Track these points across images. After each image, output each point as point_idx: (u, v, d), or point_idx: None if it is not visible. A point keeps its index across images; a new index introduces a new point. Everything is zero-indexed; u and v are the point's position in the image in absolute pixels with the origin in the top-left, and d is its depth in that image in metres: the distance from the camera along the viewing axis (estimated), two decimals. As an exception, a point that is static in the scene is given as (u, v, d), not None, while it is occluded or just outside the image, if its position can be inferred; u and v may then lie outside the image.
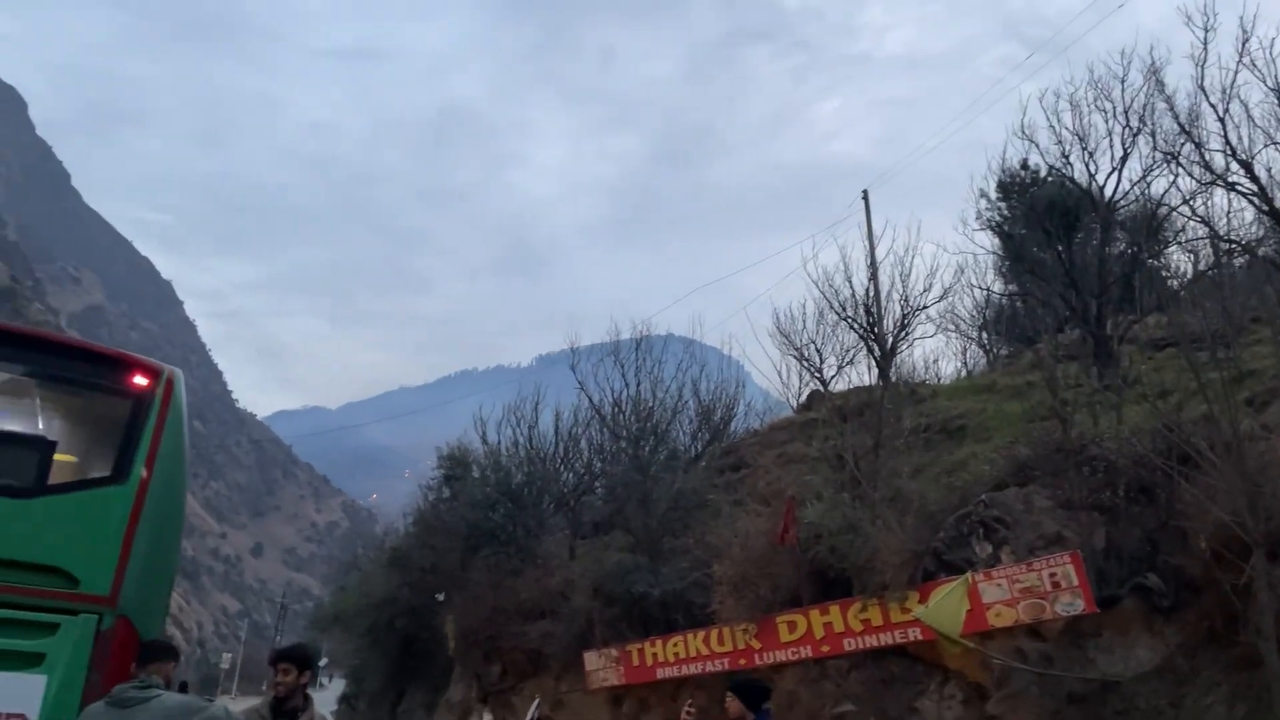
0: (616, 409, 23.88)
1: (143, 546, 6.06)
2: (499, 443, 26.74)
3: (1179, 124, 14.78)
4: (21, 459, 6.08)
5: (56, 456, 6.21)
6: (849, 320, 17.91)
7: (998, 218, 21.02)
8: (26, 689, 5.53)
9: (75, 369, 6.72)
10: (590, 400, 24.63)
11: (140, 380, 6.41)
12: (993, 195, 20.99)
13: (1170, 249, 18.41)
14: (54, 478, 6.14)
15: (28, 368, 6.50)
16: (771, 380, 21.63)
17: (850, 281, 17.92)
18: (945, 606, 10.09)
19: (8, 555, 5.75)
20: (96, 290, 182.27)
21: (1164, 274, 18.75)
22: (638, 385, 23.82)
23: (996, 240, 21.46)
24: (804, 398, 21.51)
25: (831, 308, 18.13)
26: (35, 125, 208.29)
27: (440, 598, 24.37)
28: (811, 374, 20.83)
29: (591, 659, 17.19)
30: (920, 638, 11.69)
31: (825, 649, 12.83)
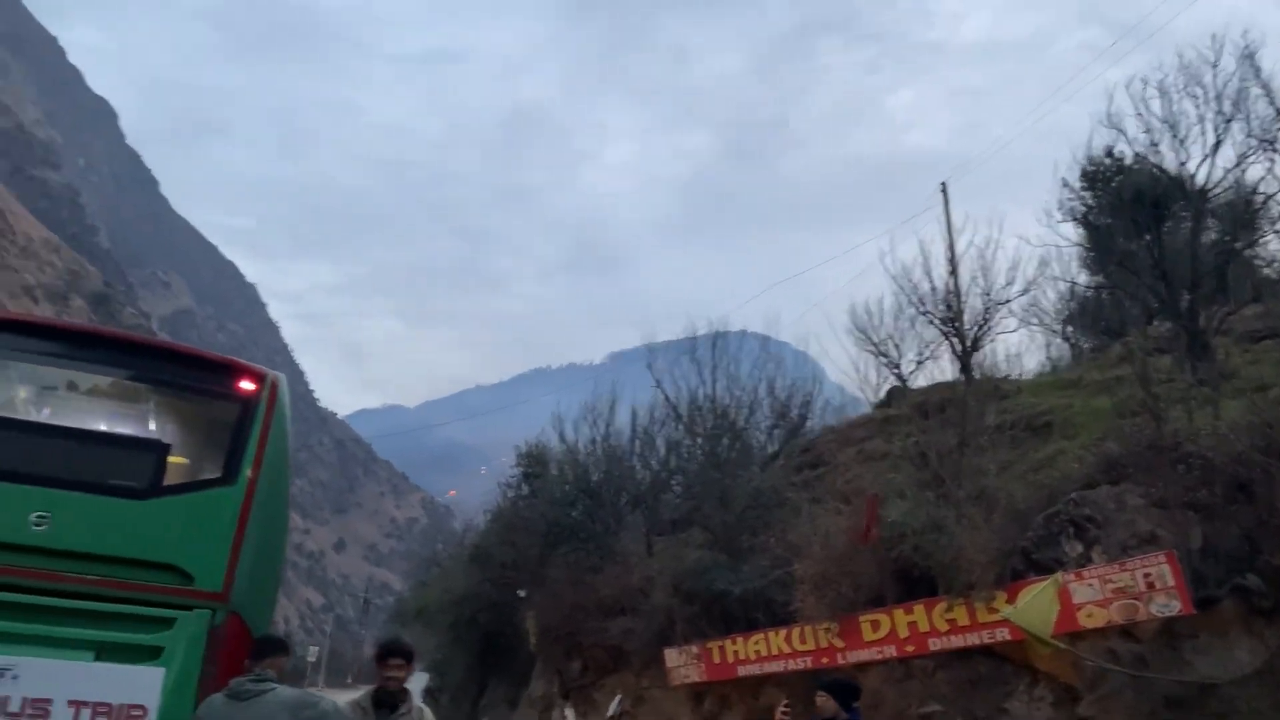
0: (693, 406, 23.92)
1: (251, 545, 6.30)
2: (576, 440, 27.07)
3: (1276, 109, 14.28)
4: (139, 461, 6.37)
5: (170, 459, 6.49)
6: (929, 315, 17.69)
7: (1081, 208, 20.52)
8: (146, 681, 5.80)
9: (188, 375, 7.02)
10: (666, 397, 24.72)
11: (247, 385, 6.67)
12: (1076, 185, 20.52)
13: (1266, 238, 17.76)
14: (168, 479, 6.42)
15: (144, 374, 6.81)
16: (849, 377, 21.43)
17: (930, 276, 17.71)
18: (1035, 607, 9.92)
19: (127, 553, 6.03)
20: (185, 294, 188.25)
21: (1260, 263, 18.11)
22: (714, 382, 23.82)
23: (1081, 231, 20.95)
24: (883, 394, 21.29)
25: (910, 302, 17.93)
26: (125, 135, 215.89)
27: (522, 594, 24.73)
28: (890, 370, 20.61)
29: (672, 656, 17.29)
30: (1008, 638, 11.51)
31: (910, 649, 12.72)
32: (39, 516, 5.84)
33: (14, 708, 5.48)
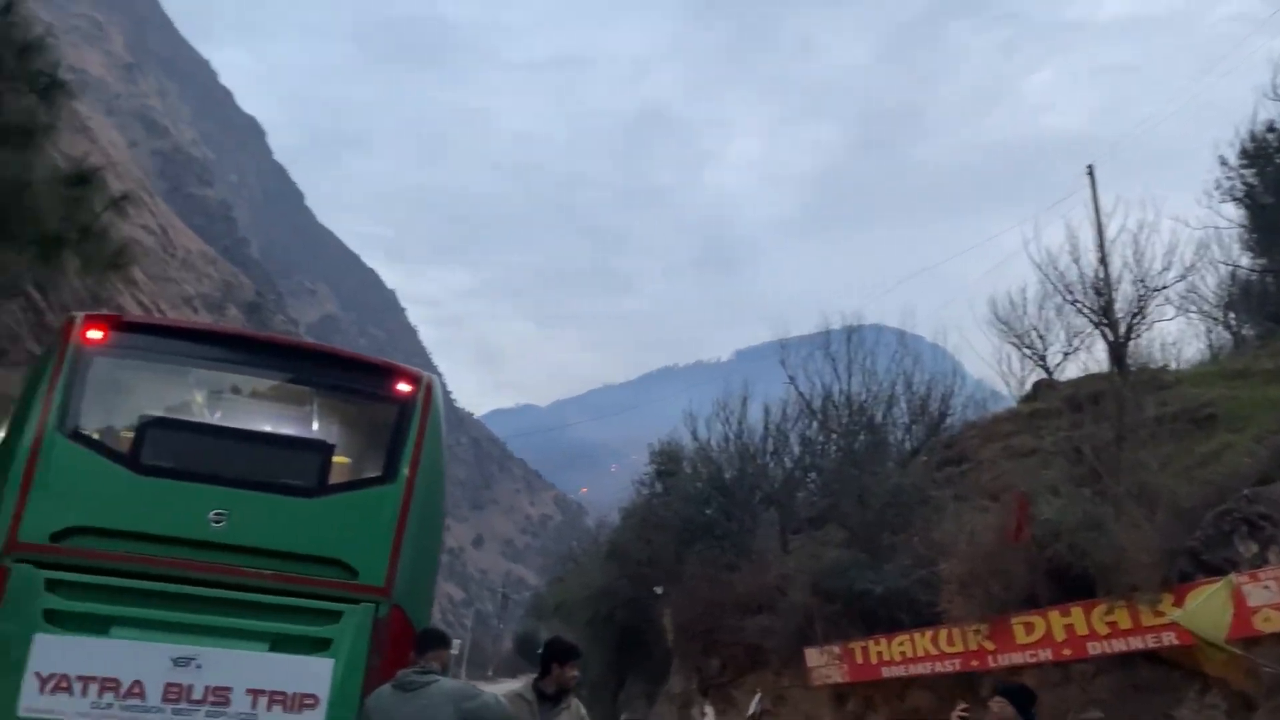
0: (828, 402, 23.57)
1: (411, 541, 6.48)
2: (709, 438, 27.02)
3: None
4: (306, 461, 6.63)
5: (334, 458, 6.74)
6: (1078, 304, 16.92)
7: (1242, 187, 19.30)
8: (317, 671, 6.04)
9: (348, 378, 7.28)
10: (800, 394, 24.43)
11: (404, 387, 6.86)
12: (1235, 163, 19.31)
13: None
14: (332, 478, 6.66)
15: (308, 377, 7.11)
16: (991, 370, 20.70)
17: (1078, 263, 16.93)
18: (1207, 610, 9.35)
19: (297, 549, 6.29)
20: (329, 301, 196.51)
21: None
22: (849, 378, 23.40)
23: (1243, 211, 19.69)
24: (1028, 388, 20.48)
25: (1057, 290, 17.20)
26: (273, 152, 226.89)
27: (658, 591, 24.87)
28: (1035, 362, 19.80)
29: (813, 655, 17.08)
30: (1176, 642, 10.89)
31: (1067, 652, 12.19)
32: (217, 514, 6.13)
33: (198, 695, 5.79)
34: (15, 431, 6.19)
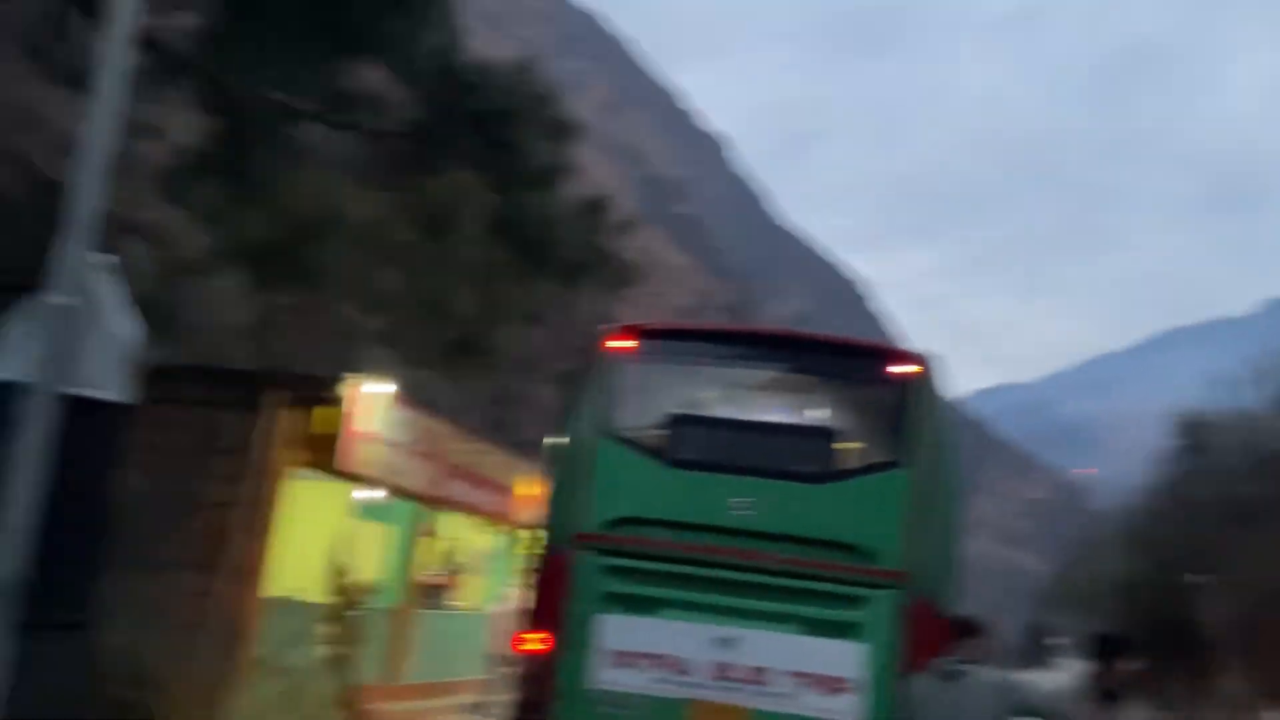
0: None
1: (927, 524, 6.32)
2: (1247, 405, 23.62)
3: None
4: (816, 448, 6.76)
5: (842, 444, 6.80)
6: None
7: None
8: (848, 656, 6.12)
9: (849, 364, 7.33)
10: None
11: (905, 368, 6.73)
12: None
13: None
14: (843, 464, 6.73)
15: (810, 366, 7.29)
16: None
17: None
18: None
19: (814, 534, 6.41)
20: (800, 296, 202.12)
21: None
22: None
23: None
24: None
25: None
26: (737, 161, 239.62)
27: (1197, 580, 22.26)
28: None
29: None
30: None
31: None
32: (741, 502, 6.45)
33: (740, 674, 6.17)
34: (569, 436, 6.99)
